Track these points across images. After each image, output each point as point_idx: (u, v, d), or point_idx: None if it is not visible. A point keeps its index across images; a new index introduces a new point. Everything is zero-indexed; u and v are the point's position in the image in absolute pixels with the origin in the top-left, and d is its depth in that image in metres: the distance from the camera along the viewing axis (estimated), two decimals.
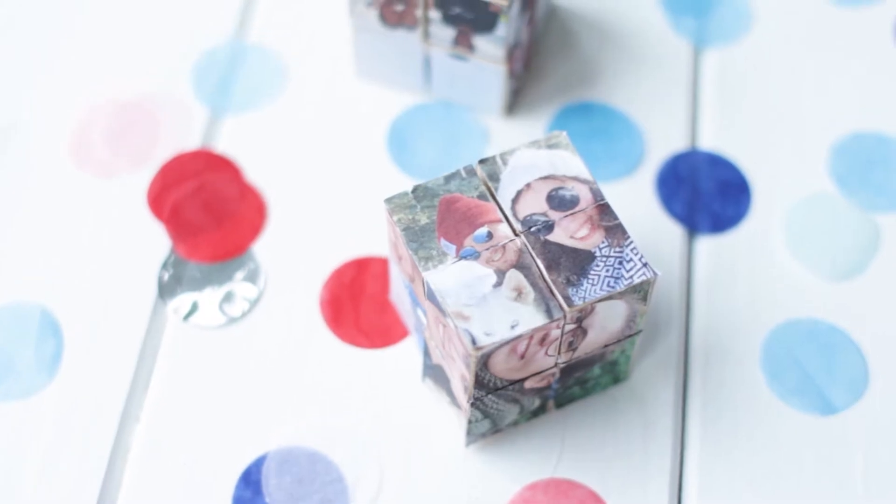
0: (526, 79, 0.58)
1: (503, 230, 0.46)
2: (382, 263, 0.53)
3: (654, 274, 0.45)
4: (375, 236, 0.54)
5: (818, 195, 0.56)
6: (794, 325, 0.52)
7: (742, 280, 0.53)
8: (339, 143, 0.57)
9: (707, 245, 0.54)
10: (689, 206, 0.55)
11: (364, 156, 0.56)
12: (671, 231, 0.54)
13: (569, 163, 0.47)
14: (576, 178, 0.47)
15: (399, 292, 0.50)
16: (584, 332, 0.46)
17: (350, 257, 0.53)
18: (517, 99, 0.58)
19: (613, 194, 0.55)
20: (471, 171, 0.47)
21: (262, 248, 0.54)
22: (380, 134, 0.57)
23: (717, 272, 0.54)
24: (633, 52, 0.59)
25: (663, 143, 0.57)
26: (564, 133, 0.48)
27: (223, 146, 0.57)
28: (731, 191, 0.56)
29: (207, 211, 0.54)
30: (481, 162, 0.47)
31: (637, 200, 0.55)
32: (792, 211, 0.55)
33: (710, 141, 0.57)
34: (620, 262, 0.45)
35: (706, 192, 0.55)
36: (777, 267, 0.54)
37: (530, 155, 0.47)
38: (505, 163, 0.47)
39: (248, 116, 0.57)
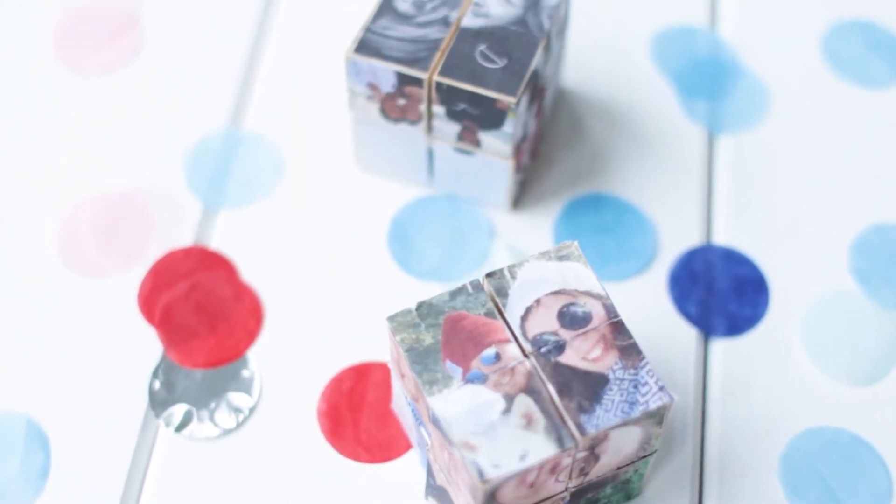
0: (533, 169, 0.57)
1: (512, 351, 0.44)
2: (383, 370, 0.52)
3: (671, 398, 0.43)
4: (375, 341, 0.52)
5: (838, 294, 0.54)
6: (814, 434, 0.51)
7: (759, 386, 0.52)
8: (339, 240, 0.55)
9: (722, 348, 0.53)
10: (703, 307, 0.54)
11: (365, 254, 0.55)
12: (685, 334, 0.53)
13: (580, 276, 0.46)
14: (588, 293, 0.45)
15: (401, 405, 0.49)
16: (597, 458, 0.44)
17: (349, 363, 0.52)
18: (524, 190, 0.56)
19: (624, 294, 0.54)
20: (477, 286, 0.46)
21: (257, 353, 0.52)
22: (381, 230, 0.55)
23: (733, 378, 0.52)
24: (644, 138, 0.58)
25: (676, 237, 0.55)
26: (575, 244, 0.46)
27: (217, 242, 0.55)
28: (748, 289, 0.54)
29: (201, 313, 0.53)
30: (488, 276, 0.46)
31: (649, 301, 0.54)
32: (810, 311, 0.54)
33: (725, 234, 0.56)
34: (635, 386, 0.44)
35: (721, 292, 0.54)
36: (796, 372, 0.52)
37: (540, 267, 0.46)
38: (513, 276, 0.46)
39: (242, 211, 0.56)
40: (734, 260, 0.55)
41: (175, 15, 0.62)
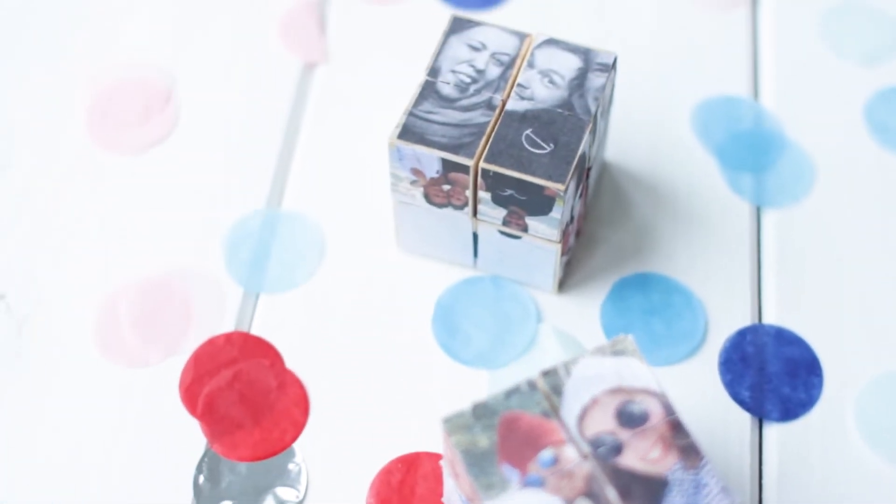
0: (577, 248, 0.57)
1: (569, 452, 0.44)
2: (432, 460, 0.52)
3: (734, 501, 0.43)
4: (423, 431, 0.52)
5: (892, 374, 0.54)
6: None
7: (816, 472, 0.52)
8: (383, 324, 0.55)
9: (777, 434, 0.53)
10: (756, 391, 0.53)
11: (410, 338, 0.55)
12: (738, 419, 0.53)
13: (637, 373, 0.46)
14: (645, 391, 0.45)
15: (454, 501, 0.49)
16: None
17: (397, 454, 0.52)
18: (569, 271, 0.56)
19: (675, 378, 0.53)
20: (532, 385, 0.45)
21: (303, 444, 0.52)
22: (425, 313, 0.55)
23: (789, 464, 0.52)
24: (689, 213, 0.58)
25: (726, 317, 0.55)
26: (630, 338, 0.46)
27: (259, 327, 0.55)
28: (801, 371, 0.54)
29: (245, 404, 0.53)
30: (544, 374, 0.45)
31: (700, 385, 0.54)
32: (864, 393, 0.53)
33: (776, 313, 0.55)
34: (696, 488, 0.43)
35: (774, 374, 0.54)
36: (851, 456, 0.52)
37: (595, 364, 0.46)
38: (569, 373, 0.46)
39: (284, 294, 0.56)
40: (786, 340, 0.55)
41: (209, 90, 0.62)
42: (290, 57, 0.63)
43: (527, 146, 0.51)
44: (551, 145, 0.51)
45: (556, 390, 0.45)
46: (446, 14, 0.64)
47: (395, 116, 0.60)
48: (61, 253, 0.57)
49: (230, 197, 0.58)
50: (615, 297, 0.56)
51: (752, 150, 0.60)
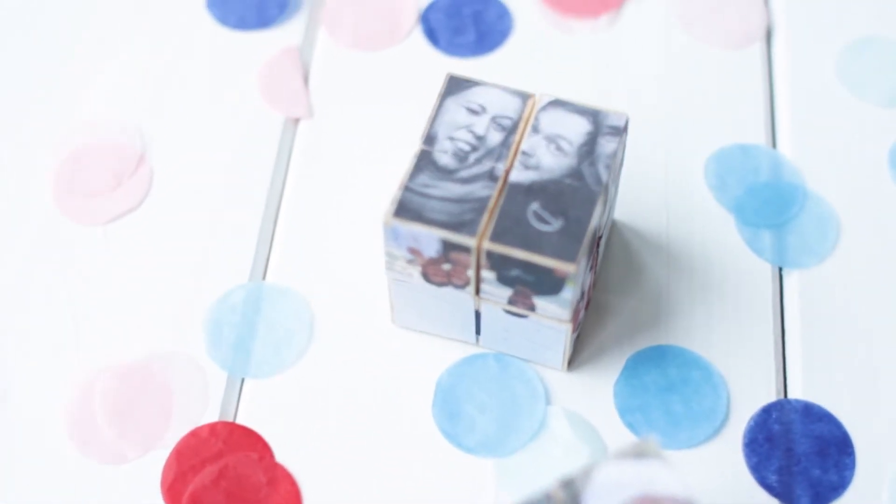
0: (587, 319, 0.54)
1: None
2: None
3: None
4: None
5: None
6: None
7: None
8: (379, 411, 0.52)
9: None
10: (784, 474, 0.51)
11: (409, 425, 0.52)
12: None
13: (661, 478, 0.43)
14: (671, 499, 0.42)
15: None
16: None
17: None
18: (579, 346, 0.53)
19: (696, 462, 0.51)
20: (549, 498, 0.42)
21: None
22: (425, 396, 0.52)
23: None
24: (706, 277, 0.55)
25: (749, 393, 0.53)
26: (653, 440, 0.43)
27: (245, 416, 0.52)
28: (832, 451, 0.51)
29: (233, 503, 0.50)
30: (562, 485, 0.43)
31: (724, 469, 0.51)
32: None
33: (802, 388, 0.53)
34: None
35: (803, 455, 0.51)
36: None
37: (617, 470, 0.43)
38: (588, 480, 0.43)
39: (271, 378, 0.53)
40: (814, 416, 0.52)
41: (184, 151, 0.59)
42: (270, 112, 0.60)
43: (533, 223, 0.48)
44: (560, 220, 0.48)
45: (575, 500, 0.42)
46: (437, 59, 0.61)
47: (387, 177, 0.57)
48: (29, 337, 0.54)
49: (210, 270, 0.55)
50: (629, 374, 0.53)
51: (771, 205, 0.57)
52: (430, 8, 0.63)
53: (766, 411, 0.52)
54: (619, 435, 0.51)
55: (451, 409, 0.52)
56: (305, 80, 0.61)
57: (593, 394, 0.52)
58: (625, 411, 0.52)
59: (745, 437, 0.52)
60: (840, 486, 0.51)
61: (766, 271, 0.56)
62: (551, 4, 0.62)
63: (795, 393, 0.53)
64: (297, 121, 0.60)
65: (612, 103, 0.59)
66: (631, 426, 0.52)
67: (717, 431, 0.52)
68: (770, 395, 0.52)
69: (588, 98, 0.59)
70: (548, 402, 0.52)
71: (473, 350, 0.53)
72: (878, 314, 0.54)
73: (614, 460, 0.43)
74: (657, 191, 0.58)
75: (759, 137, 0.59)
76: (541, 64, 0.61)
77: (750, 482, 0.51)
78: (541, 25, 0.62)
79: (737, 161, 0.58)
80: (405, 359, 0.53)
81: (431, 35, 0.62)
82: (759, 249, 0.56)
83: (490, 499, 0.50)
